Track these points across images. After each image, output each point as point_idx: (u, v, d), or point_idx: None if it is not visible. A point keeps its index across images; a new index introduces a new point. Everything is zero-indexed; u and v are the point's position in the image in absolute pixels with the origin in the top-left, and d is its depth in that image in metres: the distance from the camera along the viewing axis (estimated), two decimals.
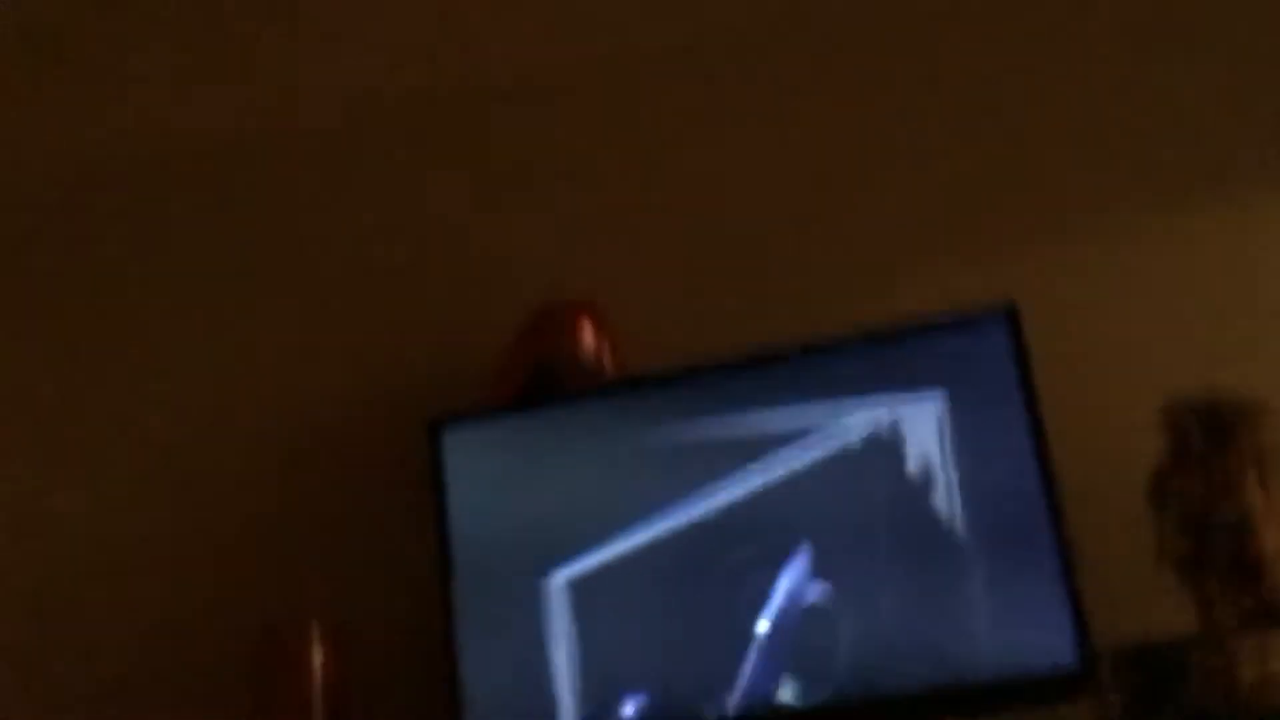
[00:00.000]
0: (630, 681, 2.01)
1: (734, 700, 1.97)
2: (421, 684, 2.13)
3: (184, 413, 2.48)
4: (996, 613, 1.92)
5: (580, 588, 2.06)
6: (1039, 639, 1.90)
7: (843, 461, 2.01)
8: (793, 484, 2.02)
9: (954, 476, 1.98)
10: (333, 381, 2.45)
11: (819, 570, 1.98)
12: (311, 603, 2.27)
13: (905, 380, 2.03)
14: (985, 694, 1.90)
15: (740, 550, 2.01)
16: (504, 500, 2.12)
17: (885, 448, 2.01)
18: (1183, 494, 1.82)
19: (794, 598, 1.98)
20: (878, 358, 2.06)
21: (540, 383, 2.23)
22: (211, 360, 2.50)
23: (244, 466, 2.43)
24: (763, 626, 1.98)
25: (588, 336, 2.26)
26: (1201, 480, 1.82)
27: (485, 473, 2.14)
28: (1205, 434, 1.84)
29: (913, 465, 2.00)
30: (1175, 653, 1.83)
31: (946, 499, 1.98)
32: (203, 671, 2.30)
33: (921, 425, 2.00)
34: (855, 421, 2.02)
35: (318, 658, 2.08)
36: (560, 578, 2.07)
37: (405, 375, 2.41)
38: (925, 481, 1.99)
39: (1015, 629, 1.91)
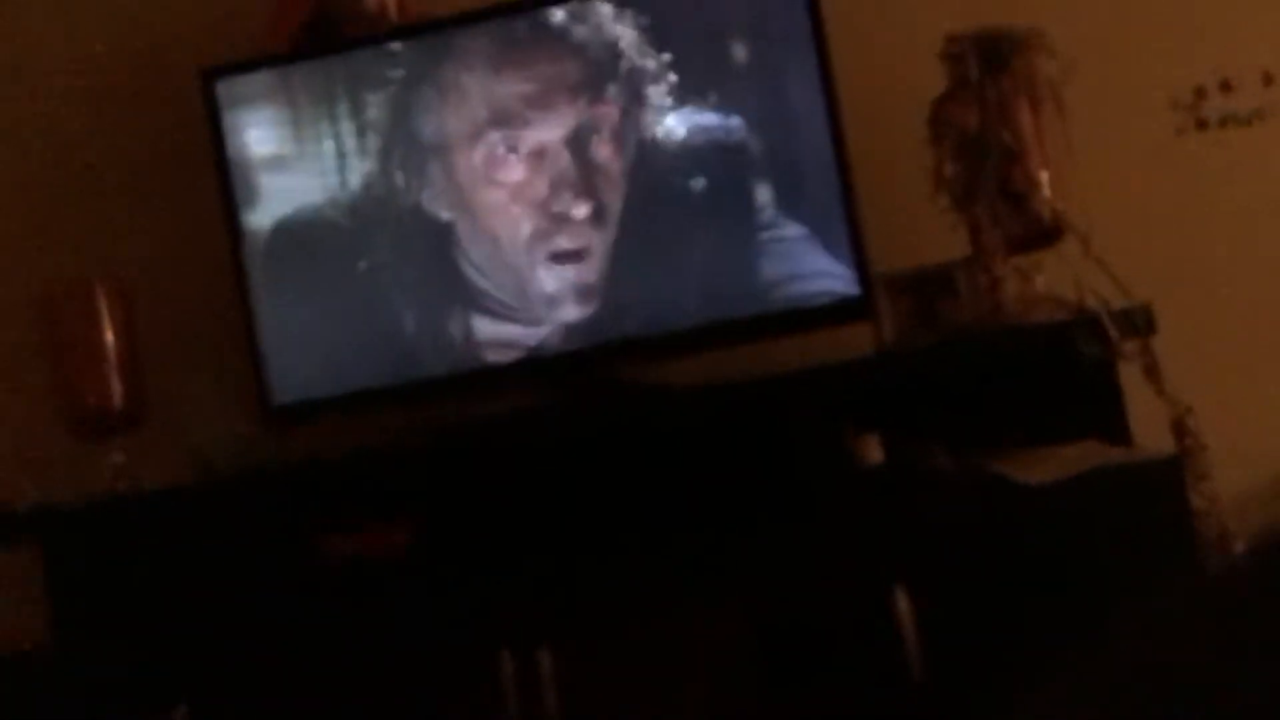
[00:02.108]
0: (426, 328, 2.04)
1: (534, 334, 2.02)
2: (217, 339, 2.11)
3: None
4: (783, 246, 1.99)
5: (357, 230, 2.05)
6: (822, 269, 1.97)
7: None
8: (582, 137, 2.00)
9: (747, 121, 1.99)
10: (103, 32, 2.30)
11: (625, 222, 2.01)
12: (96, 263, 2.20)
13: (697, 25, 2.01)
14: (772, 321, 1.98)
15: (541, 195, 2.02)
16: (287, 150, 2.06)
17: None
18: (959, 122, 1.88)
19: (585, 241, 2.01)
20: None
21: (321, 30, 2.14)
22: None
23: (15, 124, 2.30)
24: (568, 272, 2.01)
25: None
26: (977, 108, 1.87)
27: (266, 123, 2.06)
28: (982, 63, 1.88)
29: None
30: (945, 275, 1.94)
31: (738, 142, 2.00)
32: None
33: None
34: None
35: (107, 322, 2.03)
36: (343, 219, 2.05)
37: (177, 24, 2.27)
38: (719, 128, 2.00)
39: (800, 261, 1.98)
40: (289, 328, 2.05)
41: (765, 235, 1.98)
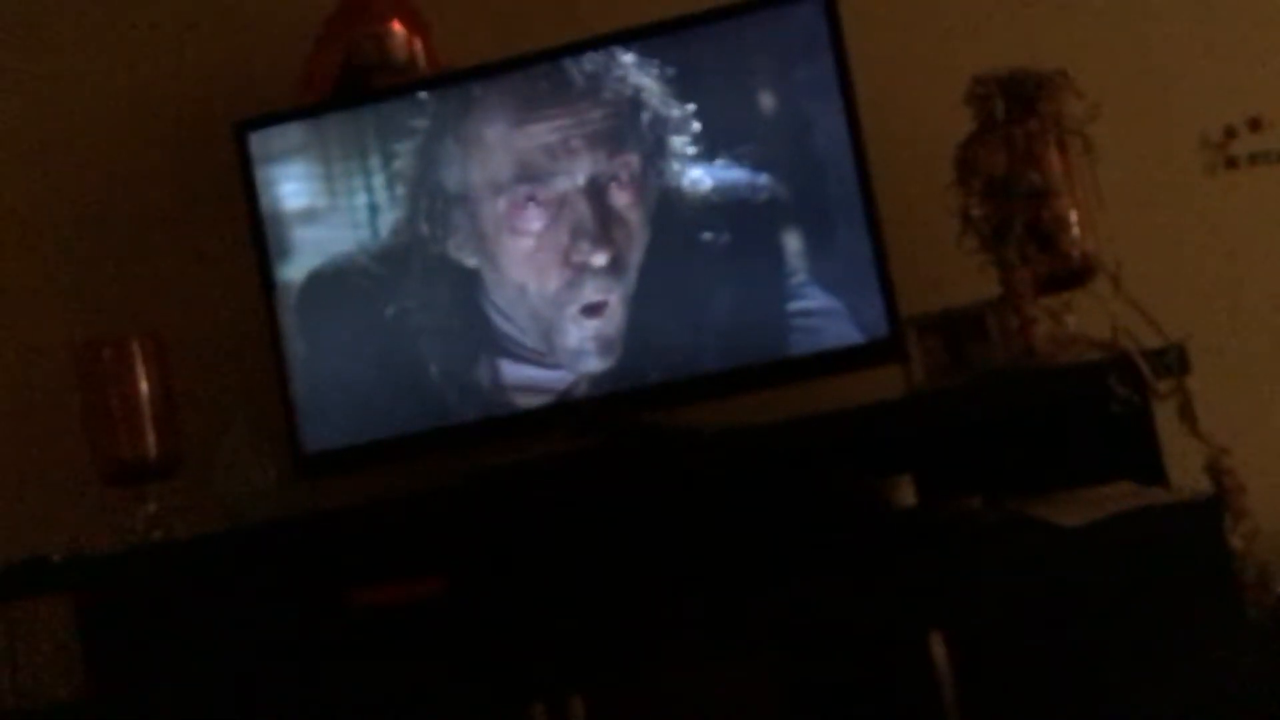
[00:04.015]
0: (452, 365, 2.05)
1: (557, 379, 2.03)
2: (249, 389, 2.12)
3: None
4: (812, 290, 1.99)
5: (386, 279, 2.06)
6: (852, 311, 1.97)
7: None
8: (601, 186, 2.01)
9: (773, 166, 2.00)
10: (135, 87, 2.34)
11: (648, 270, 2.01)
12: (130, 315, 2.22)
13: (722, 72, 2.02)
14: (802, 364, 1.98)
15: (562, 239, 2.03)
16: (319, 201, 2.08)
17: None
18: (986, 163, 1.87)
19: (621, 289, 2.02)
20: (701, 49, 2.03)
21: (351, 81, 2.16)
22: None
23: (49, 179, 2.34)
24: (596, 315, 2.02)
25: (398, 30, 2.18)
26: (1004, 149, 1.87)
27: (298, 175, 2.08)
28: (1008, 105, 1.89)
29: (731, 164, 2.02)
30: (975, 317, 1.93)
31: (764, 187, 2.00)
32: (20, 388, 2.28)
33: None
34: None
35: (141, 373, 2.05)
36: (372, 267, 2.06)
37: (210, 79, 2.31)
38: (744, 174, 2.01)
39: (830, 304, 1.98)
40: (320, 377, 2.06)
41: (796, 283, 1.99)
